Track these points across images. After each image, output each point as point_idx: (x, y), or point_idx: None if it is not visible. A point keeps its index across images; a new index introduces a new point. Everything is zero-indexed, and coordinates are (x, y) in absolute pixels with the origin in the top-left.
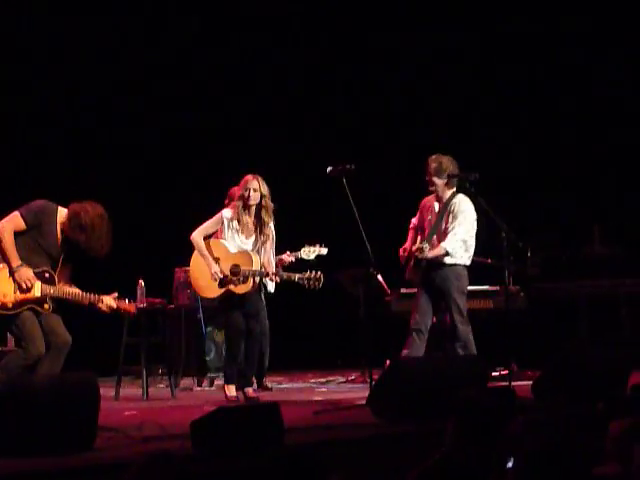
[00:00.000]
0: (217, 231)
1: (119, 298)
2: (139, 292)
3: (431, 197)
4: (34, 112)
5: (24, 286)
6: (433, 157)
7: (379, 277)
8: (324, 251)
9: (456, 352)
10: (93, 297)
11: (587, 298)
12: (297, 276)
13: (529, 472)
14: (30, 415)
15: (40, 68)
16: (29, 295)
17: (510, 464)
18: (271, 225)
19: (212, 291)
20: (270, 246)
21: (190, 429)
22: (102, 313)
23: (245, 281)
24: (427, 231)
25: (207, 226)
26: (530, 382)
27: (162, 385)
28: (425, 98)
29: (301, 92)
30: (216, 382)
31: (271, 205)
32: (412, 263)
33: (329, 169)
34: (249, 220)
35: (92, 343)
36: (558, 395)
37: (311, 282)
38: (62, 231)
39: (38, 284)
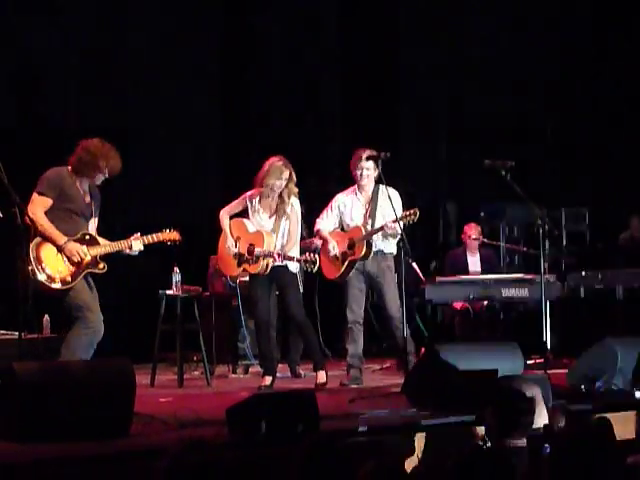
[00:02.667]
0: (245, 210)
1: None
2: (174, 279)
3: (348, 192)
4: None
5: (76, 259)
6: (366, 150)
7: (414, 265)
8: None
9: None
10: (125, 244)
11: (623, 286)
12: (296, 258)
13: (564, 459)
14: (67, 401)
15: None
16: (82, 263)
17: (547, 451)
18: (294, 205)
19: (231, 269)
20: (293, 227)
21: (226, 416)
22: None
23: (256, 261)
24: (365, 221)
25: (232, 205)
26: (566, 370)
27: (197, 372)
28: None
29: (339, 77)
30: (251, 369)
31: (295, 190)
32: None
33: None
34: (271, 202)
35: (128, 330)
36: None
37: (307, 265)
38: (77, 183)
39: (85, 248)
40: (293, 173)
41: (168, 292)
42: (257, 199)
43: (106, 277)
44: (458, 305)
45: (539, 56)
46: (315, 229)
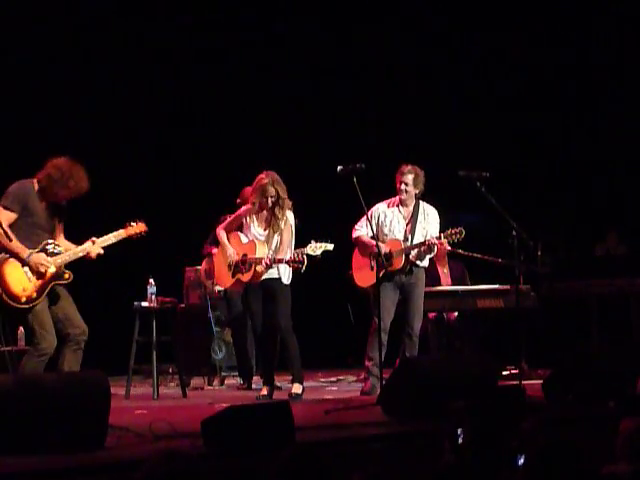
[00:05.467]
0: (242, 225)
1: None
2: (150, 291)
3: (389, 204)
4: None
5: (42, 270)
6: (407, 165)
7: None
8: (330, 247)
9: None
10: (84, 250)
11: (598, 297)
12: (284, 259)
13: (539, 470)
14: (41, 413)
15: None
16: (47, 276)
17: (521, 462)
18: (289, 217)
19: (226, 280)
20: (286, 238)
21: (201, 428)
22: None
23: (249, 269)
24: (405, 237)
25: (228, 222)
26: (540, 381)
27: (172, 384)
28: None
29: (313, 91)
30: (227, 381)
31: (288, 203)
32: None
33: (339, 168)
34: (264, 215)
35: (103, 342)
36: (568, 394)
37: (295, 265)
38: (43, 199)
39: (49, 258)
40: (281, 189)
41: (143, 304)
42: (250, 215)
43: (80, 288)
44: (431, 315)
45: None
46: (354, 236)
